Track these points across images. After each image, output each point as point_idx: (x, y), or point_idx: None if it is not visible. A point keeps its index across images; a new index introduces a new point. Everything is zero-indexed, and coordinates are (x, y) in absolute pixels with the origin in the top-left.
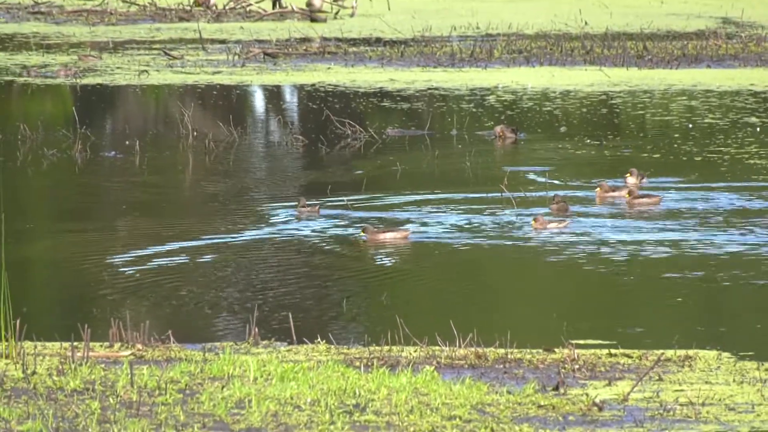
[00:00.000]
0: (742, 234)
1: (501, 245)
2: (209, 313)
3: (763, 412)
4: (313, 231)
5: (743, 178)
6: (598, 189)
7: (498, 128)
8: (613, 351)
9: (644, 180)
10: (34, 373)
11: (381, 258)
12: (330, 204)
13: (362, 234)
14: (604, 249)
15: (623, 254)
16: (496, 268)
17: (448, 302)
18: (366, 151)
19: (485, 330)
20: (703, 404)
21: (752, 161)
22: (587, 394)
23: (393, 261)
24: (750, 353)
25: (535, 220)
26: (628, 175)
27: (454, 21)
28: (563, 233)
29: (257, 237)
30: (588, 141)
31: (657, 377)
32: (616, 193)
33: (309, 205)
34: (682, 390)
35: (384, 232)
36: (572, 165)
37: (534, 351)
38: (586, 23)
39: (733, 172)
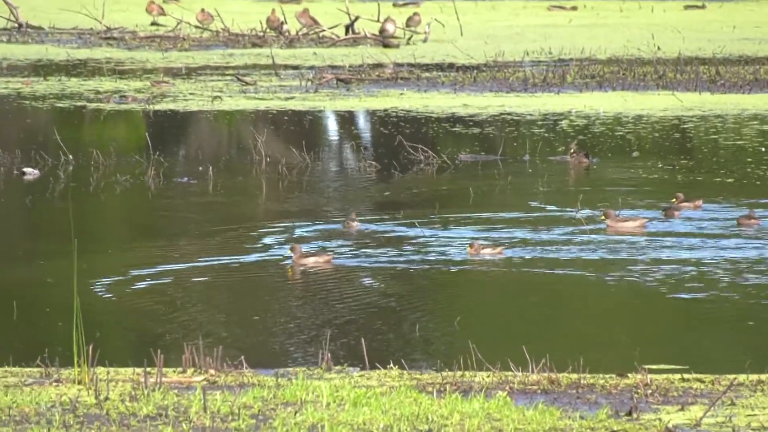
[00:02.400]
0: None
1: (572, 267)
2: (281, 338)
3: None
4: (381, 253)
5: None
6: (603, 217)
7: (572, 151)
8: (685, 376)
9: (700, 203)
10: (106, 398)
11: (452, 280)
12: (400, 222)
13: (290, 252)
14: (665, 269)
15: (689, 275)
16: (567, 291)
17: (520, 326)
18: (438, 175)
19: (558, 355)
20: None
21: None
22: (660, 419)
23: (464, 283)
24: None
25: (470, 246)
26: (674, 200)
27: (526, 46)
28: (632, 254)
29: (330, 261)
30: (660, 165)
31: (729, 402)
32: (628, 224)
33: (357, 220)
34: (754, 414)
35: (307, 256)
36: (644, 189)
37: (607, 376)
38: (658, 48)
39: None
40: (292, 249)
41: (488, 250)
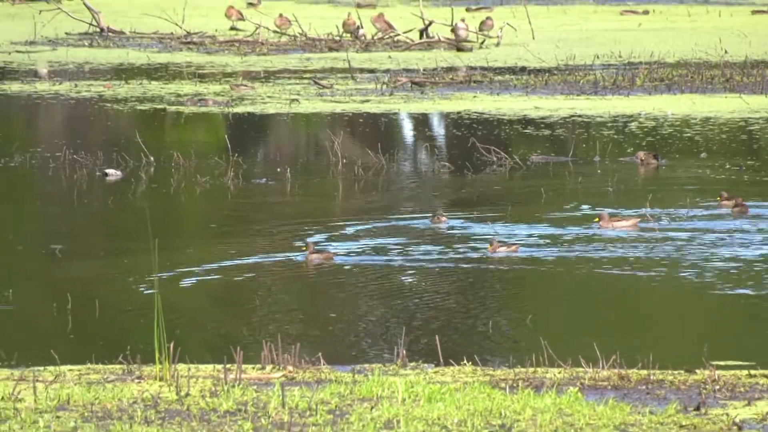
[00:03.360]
0: None
1: (637, 266)
2: (356, 335)
3: None
4: (452, 250)
5: None
6: (597, 219)
7: (640, 153)
8: (752, 372)
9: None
10: (187, 394)
11: (524, 278)
12: (473, 218)
13: (304, 248)
14: (733, 266)
15: (746, 272)
16: (632, 289)
17: (588, 323)
18: (510, 176)
19: (627, 351)
20: None
21: None
22: (727, 414)
23: (531, 281)
24: None
25: (490, 244)
26: (718, 198)
27: (597, 50)
28: (694, 252)
29: (404, 258)
30: (727, 166)
31: None
32: (619, 224)
33: (446, 216)
34: None
35: (316, 252)
36: (712, 189)
37: (675, 372)
38: (725, 52)
39: None
40: (306, 246)
41: (504, 248)
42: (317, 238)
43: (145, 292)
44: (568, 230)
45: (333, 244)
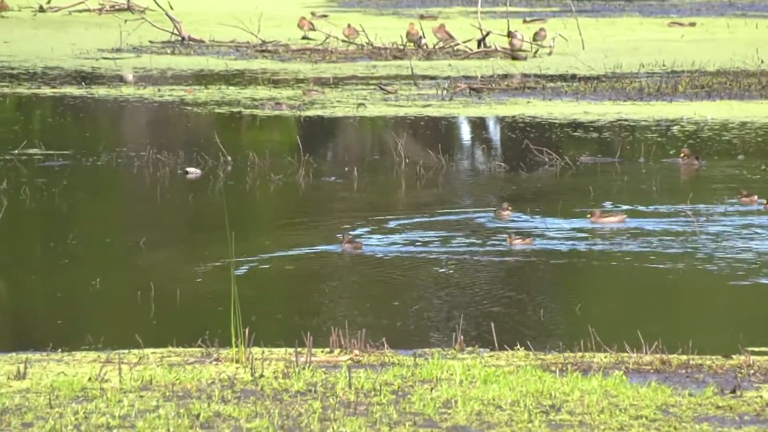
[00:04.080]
0: None
1: (679, 259)
2: (417, 321)
3: None
4: (501, 241)
5: None
6: (590, 215)
7: (685, 150)
8: None
9: (755, 198)
10: (261, 376)
11: (569, 269)
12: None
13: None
14: (765, 259)
15: None
16: (674, 280)
17: (633, 312)
18: (561, 176)
19: (668, 338)
20: None
21: None
22: (761, 397)
23: (579, 271)
24: None
25: (509, 236)
26: (738, 195)
27: (642, 59)
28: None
29: (462, 249)
30: (764, 167)
31: None
32: (607, 219)
33: (509, 210)
34: None
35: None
36: (749, 188)
37: (713, 357)
38: (762, 61)
39: None
40: (343, 236)
41: (519, 241)
42: (392, 226)
43: (222, 280)
44: (609, 225)
45: (393, 236)
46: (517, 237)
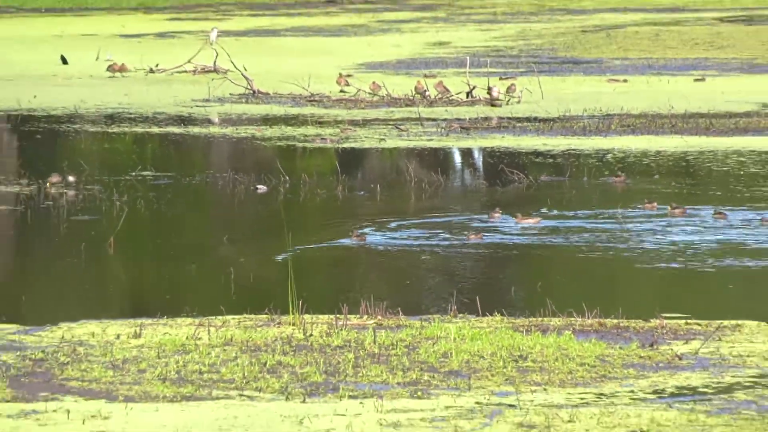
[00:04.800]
0: None
1: (608, 247)
2: (423, 295)
3: None
4: (483, 236)
5: None
6: (516, 216)
7: (614, 178)
8: (689, 321)
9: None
10: (311, 335)
11: (534, 256)
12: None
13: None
14: (673, 248)
15: (689, 251)
16: (612, 264)
17: (579, 287)
18: (527, 190)
19: (605, 307)
20: (748, 356)
21: None
22: (671, 350)
23: (542, 258)
24: None
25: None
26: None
27: (585, 105)
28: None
29: (454, 242)
30: (673, 183)
31: (717, 338)
32: (525, 220)
33: (500, 213)
34: (734, 347)
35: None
36: (663, 199)
37: (637, 321)
38: (672, 107)
39: None
40: (352, 233)
41: (520, 218)
42: (405, 224)
43: (282, 265)
44: (561, 223)
45: (404, 231)
46: (522, 216)
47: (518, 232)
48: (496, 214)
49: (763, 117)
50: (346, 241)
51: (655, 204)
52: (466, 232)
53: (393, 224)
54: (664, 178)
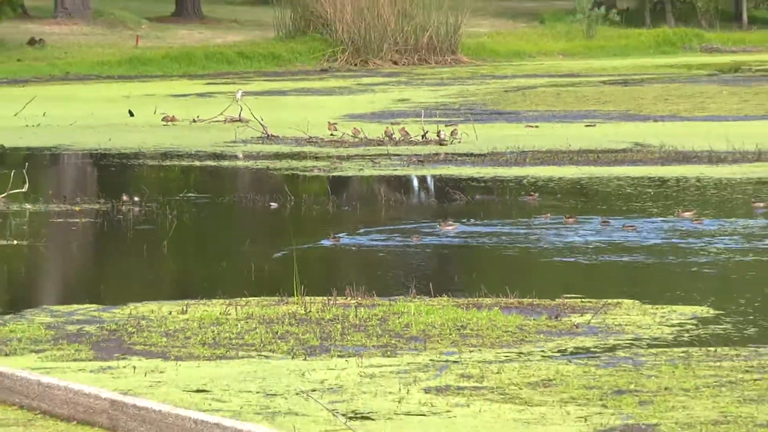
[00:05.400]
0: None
1: (525, 247)
2: (392, 282)
3: (652, 324)
4: (436, 237)
5: None
6: (440, 222)
7: (528, 197)
8: (583, 300)
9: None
10: (309, 311)
11: (471, 252)
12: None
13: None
14: (568, 246)
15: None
16: (524, 257)
17: (504, 274)
18: (466, 206)
19: (523, 289)
20: (626, 325)
21: None
22: (571, 321)
23: (477, 254)
24: (654, 301)
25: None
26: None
27: (507, 145)
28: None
29: (412, 243)
30: (572, 201)
31: (604, 312)
32: (448, 227)
33: (451, 223)
34: (615, 318)
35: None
36: (564, 212)
37: (545, 300)
38: (569, 144)
39: None
40: (330, 236)
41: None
42: (374, 229)
43: (288, 260)
44: (489, 229)
45: (374, 235)
46: (445, 224)
47: (455, 236)
48: (449, 227)
49: (635, 152)
50: (328, 242)
51: (549, 215)
52: (416, 236)
53: (371, 229)
54: (564, 196)
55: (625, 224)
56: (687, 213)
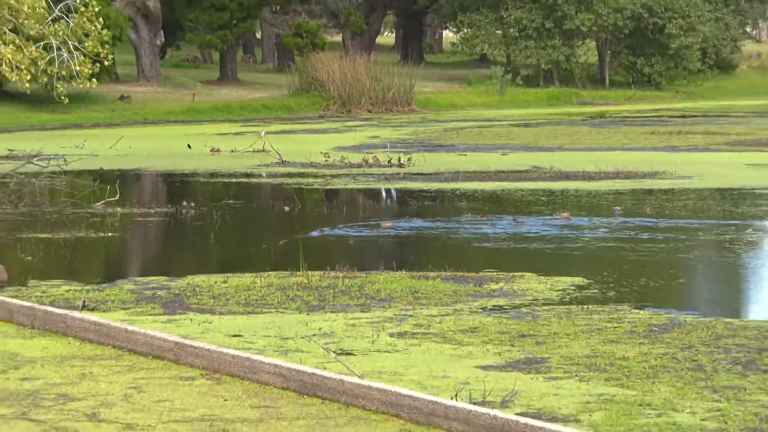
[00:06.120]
0: None
1: (464, 237)
2: (366, 261)
3: (544, 289)
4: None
5: None
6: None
7: (466, 207)
8: (497, 273)
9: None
10: (310, 281)
11: (419, 240)
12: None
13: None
14: (491, 239)
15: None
16: (463, 245)
17: (444, 256)
18: (418, 209)
19: (458, 267)
20: (527, 290)
21: None
22: (490, 287)
23: (424, 243)
24: (546, 274)
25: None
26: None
27: (444, 167)
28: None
29: (382, 233)
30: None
31: (512, 281)
32: (387, 223)
33: (391, 223)
34: (520, 285)
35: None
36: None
37: (472, 273)
38: (488, 166)
39: None
40: (320, 230)
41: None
42: (356, 225)
43: (294, 246)
44: (432, 224)
45: (359, 231)
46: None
47: (410, 228)
48: (387, 224)
49: (533, 173)
50: (316, 233)
51: (469, 213)
52: (381, 229)
53: (353, 225)
54: (484, 202)
55: (516, 218)
56: (565, 213)
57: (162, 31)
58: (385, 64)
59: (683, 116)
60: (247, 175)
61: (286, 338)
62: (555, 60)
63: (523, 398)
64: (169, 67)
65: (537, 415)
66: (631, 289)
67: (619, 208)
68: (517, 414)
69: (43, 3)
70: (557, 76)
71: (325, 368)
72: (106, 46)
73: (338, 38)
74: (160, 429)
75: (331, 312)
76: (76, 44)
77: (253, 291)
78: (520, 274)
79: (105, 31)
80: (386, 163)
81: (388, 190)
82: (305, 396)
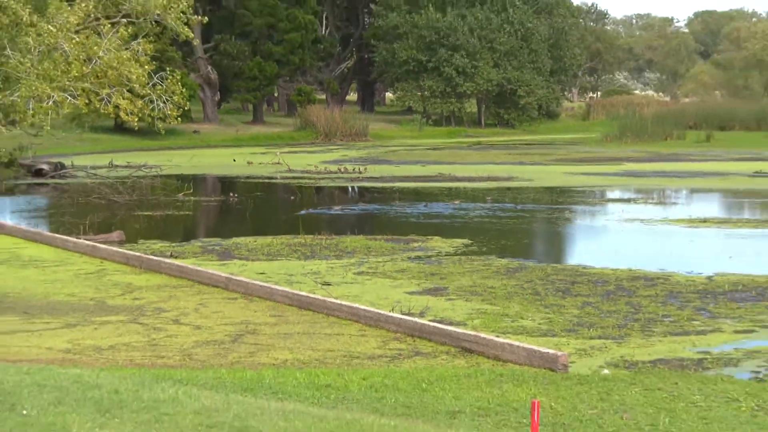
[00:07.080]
0: None
1: (420, 221)
2: (340, 229)
3: (446, 246)
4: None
5: None
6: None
7: (455, 202)
8: (417, 238)
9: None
10: (306, 241)
11: (375, 216)
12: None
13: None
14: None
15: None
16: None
17: (384, 226)
18: (363, 198)
19: (392, 233)
20: (435, 246)
21: None
22: (412, 245)
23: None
24: (446, 237)
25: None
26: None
27: (403, 174)
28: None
29: (355, 210)
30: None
31: (426, 242)
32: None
33: (340, 208)
34: (426, 243)
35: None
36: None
37: (402, 236)
38: (441, 173)
39: None
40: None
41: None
42: (339, 207)
43: (297, 219)
44: (377, 208)
45: (333, 210)
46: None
47: (364, 210)
48: (337, 209)
49: (439, 177)
50: (310, 211)
51: (398, 201)
52: (346, 208)
53: (333, 207)
54: (409, 194)
55: (427, 204)
56: (457, 201)
57: (218, 92)
58: (351, 112)
59: (527, 144)
60: (268, 178)
61: (292, 274)
62: (451, 110)
63: (433, 311)
64: (223, 113)
65: (441, 321)
66: (497, 245)
67: (489, 198)
68: (429, 320)
69: (146, 74)
70: (453, 119)
71: (314, 293)
72: (185, 100)
73: (323, 96)
74: (217, 329)
75: (319, 260)
76: (168, 98)
77: (272, 247)
78: (430, 237)
79: (184, 90)
80: (352, 171)
81: (353, 187)
82: (303, 309)
